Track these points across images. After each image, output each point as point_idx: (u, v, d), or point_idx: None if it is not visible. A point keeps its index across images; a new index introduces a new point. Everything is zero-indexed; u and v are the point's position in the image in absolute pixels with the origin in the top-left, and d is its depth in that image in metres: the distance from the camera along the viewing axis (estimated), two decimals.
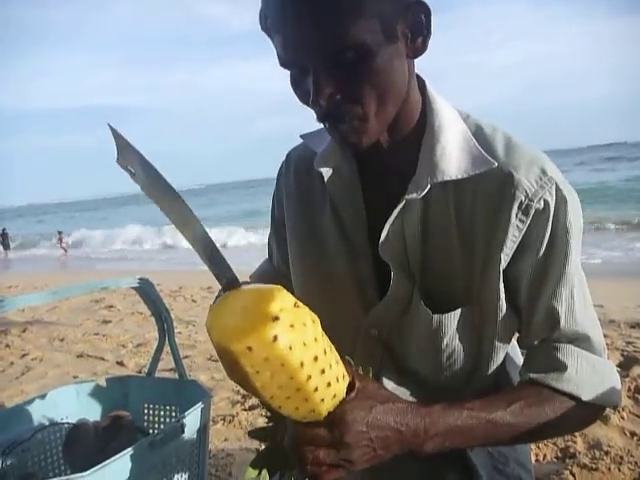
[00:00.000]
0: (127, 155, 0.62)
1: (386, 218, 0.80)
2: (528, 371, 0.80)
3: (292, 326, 0.56)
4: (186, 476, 1.06)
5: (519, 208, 0.75)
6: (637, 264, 7.37)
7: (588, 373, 0.78)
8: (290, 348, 0.55)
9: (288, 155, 0.99)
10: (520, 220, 0.75)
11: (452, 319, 0.80)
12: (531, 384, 0.79)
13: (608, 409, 2.29)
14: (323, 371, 0.60)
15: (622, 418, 2.25)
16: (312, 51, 0.67)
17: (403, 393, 0.87)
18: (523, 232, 0.76)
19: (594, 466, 1.89)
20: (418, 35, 0.71)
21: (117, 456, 0.84)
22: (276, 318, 0.54)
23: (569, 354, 0.78)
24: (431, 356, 0.84)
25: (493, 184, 0.76)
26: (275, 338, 0.54)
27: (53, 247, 18.59)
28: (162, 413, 1.24)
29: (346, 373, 0.66)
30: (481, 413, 0.72)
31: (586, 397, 0.77)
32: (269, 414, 0.75)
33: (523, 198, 0.75)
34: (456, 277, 0.80)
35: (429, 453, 0.70)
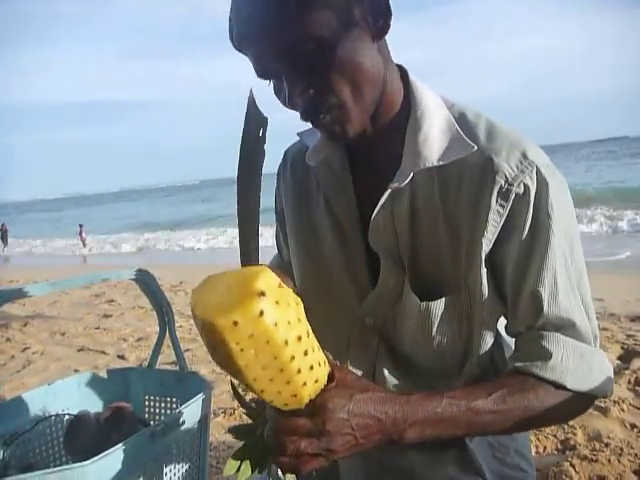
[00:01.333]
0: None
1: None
2: (513, 360, 0.79)
3: (277, 303, 0.56)
4: (187, 467, 1.06)
5: (499, 193, 0.75)
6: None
7: (575, 362, 0.77)
8: (275, 324, 0.55)
9: (285, 152, 1.02)
10: (500, 205, 0.75)
11: (440, 306, 0.80)
12: (516, 373, 0.78)
13: (608, 401, 2.27)
14: (306, 353, 0.60)
15: (622, 410, 2.25)
16: (274, 54, 0.69)
17: (399, 381, 0.87)
18: (504, 217, 0.76)
19: (594, 458, 1.90)
20: (379, 17, 0.72)
21: (118, 446, 0.85)
22: (262, 294, 0.54)
23: (554, 342, 0.77)
24: (422, 343, 0.84)
25: (475, 169, 0.77)
26: (261, 313, 0.54)
27: (56, 242, 18.55)
28: (163, 404, 1.25)
29: (326, 360, 0.66)
30: (461, 401, 0.71)
31: (572, 385, 0.76)
32: (247, 411, 0.75)
33: (503, 183, 0.75)
34: (444, 264, 0.80)
35: (410, 442, 0.69)
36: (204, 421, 1.07)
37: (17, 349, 4.12)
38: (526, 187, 0.74)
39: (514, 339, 0.83)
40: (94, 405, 1.23)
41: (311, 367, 0.61)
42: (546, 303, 0.77)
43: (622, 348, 2.98)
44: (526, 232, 0.76)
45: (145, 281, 1.16)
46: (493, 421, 0.73)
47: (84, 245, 17.07)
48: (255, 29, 0.68)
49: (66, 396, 1.21)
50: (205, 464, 1.12)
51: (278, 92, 0.74)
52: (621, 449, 1.95)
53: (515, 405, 0.74)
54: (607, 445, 1.98)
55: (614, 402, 2.29)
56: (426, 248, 0.81)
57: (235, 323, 0.53)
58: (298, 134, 0.95)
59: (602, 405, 2.27)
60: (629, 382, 2.53)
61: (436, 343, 0.83)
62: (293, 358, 0.58)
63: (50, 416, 1.16)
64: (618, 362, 2.79)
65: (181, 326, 4.32)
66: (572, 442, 2.03)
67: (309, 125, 0.82)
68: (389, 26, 0.73)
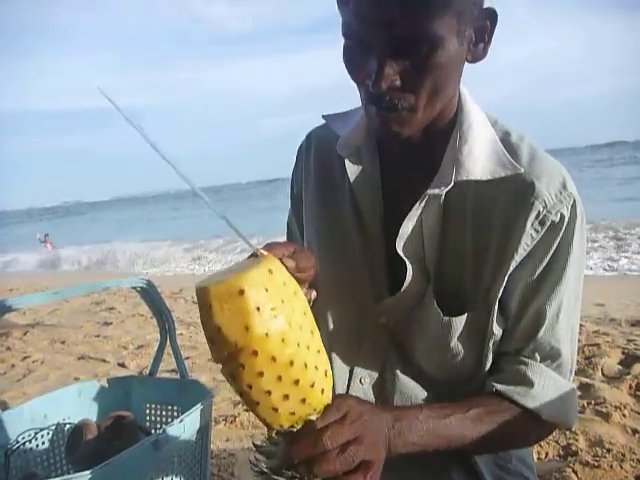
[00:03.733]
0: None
1: (402, 212, 0.80)
2: (494, 381, 0.82)
3: (284, 284, 0.56)
4: (188, 475, 1.06)
5: (536, 218, 0.76)
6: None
7: (552, 394, 0.80)
8: (284, 283, 0.56)
9: (309, 135, 0.99)
10: (535, 230, 0.76)
11: (461, 322, 0.81)
12: (493, 394, 0.81)
13: (609, 407, 2.27)
14: (312, 331, 0.59)
15: (624, 416, 2.24)
16: (390, 34, 0.66)
17: (407, 381, 0.88)
18: (535, 242, 0.77)
19: (596, 464, 1.89)
20: (480, 40, 0.73)
21: (119, 455, 0.84)
22: (270, 270, 0.55)
23: (538, 372, 0.80)
24: (436, 354, 0.84)
25: (513, 191, 0.77)
26: (271, 271, 0.54)
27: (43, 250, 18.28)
28: (164, 413, 1.24)
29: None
30: (440, 411, 0.74)
31: (546, 416, 0.80)
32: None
33: (541, 209, 0.76)
34: (467, 279, 0.81)
35: (398, 452, 0.70)
36: (205, 429, 1.07)
37: (17, 358, 4.10)
38: (562, 217, 0.76)
39: (496, 357, 0.84)
40: (95, 414, 1.23)
41: (318, 351, 0.60)
42: (543, 328, 0.80)
43: (623, 353, 2.97)
44: (547, 258, 0.78)
45: (146, 290, 1.16)
46: (467, 436, 0.76)
47: (49, 250, 16.67)
48: (387, 0, 0.64)
49: (67, 405, 1.21)
50: (206, 472, 1.12)
51: (353, 57, 0.72)
52: (623, 455, 1.94)
53: (491, 425, 0.77)
54: (609, 451, 1.97)
55: (615, 407, 2.28)
56: (451, 261, 0.81)
57: (251, 284, 0.52)
58: (324, 117, 0.93)
59: (603, 411, 2.26)
60: (630, 387, 2.52)
61: (450, 357, 0.84)
62: (312, 332, 0.58)
63: (51, 425, 1.16)
64: (619, 367, 2.78)
65: (181, 334, 4.31)
66: (574, 448, 2.02)
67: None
68: (486, 54, 0.74)
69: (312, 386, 0.57)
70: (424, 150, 0.81)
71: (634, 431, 2.12)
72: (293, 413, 0.57)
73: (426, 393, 0.87)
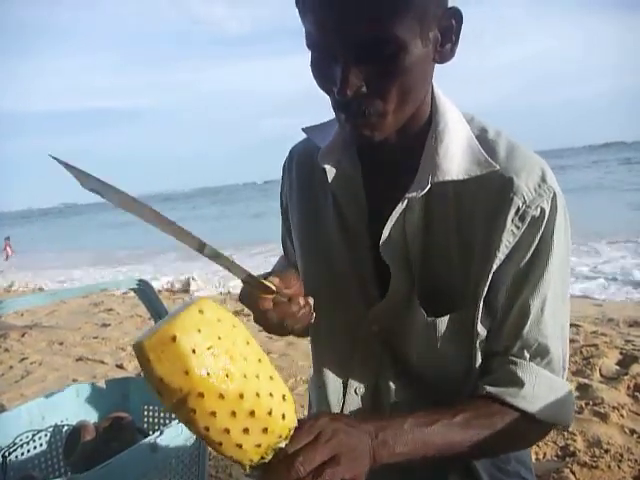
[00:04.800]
0: (88, 182, 0.56)
1: (387, 217, 0.80)
2: (485, 384, 0.80)
3: (219, 320, 0.55)
4: (186, 477, 1.06)
5: (516, 214, 0.75)
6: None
7: (544, 392, 0.79)
8: (218, 320, 0.55)
9: (291, 150, 0.99)
10: (516, 226, 0.76)
11: (446, 322, 0.80)
12: (483, 397, 0.79)
13: (607, 407, 2.27)
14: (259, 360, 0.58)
15: (622, 416, 2.25)
16: (350, 40, 0.66)
17: (402, 389, 0.87)
18: (517, 238, 0.76)
19: (594, 464, 1.89)
20: (447, 41, 0.72)
21: (117, 457, 0.84)
22: (200, 311, 0.54)
23: (528, 371, 0.79)
24: (427, 356, 0.84)
25: (493, 188, 0.77)
26: (201, 311, 0.54)
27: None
28: (162, 414, 1.24)
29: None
30: (426, 419, 0.73)
31: (539, 415, 0.78)
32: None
33: (520, 204, 0.75)
34: (454, 279, 0.80)
35: (384, 463, 0.69)
36: None
37: (15, 359, 4.09)
38: (542, 211, 0.75)
39: (486, 359, 0.84)
40: (93, 415, 1.23)
41: (271, 377, 0.59)
42: (528, 325, 0.79)
43: (621, 353, 2.98)
44: (530, 254, 0.77)
45: (143, 290, 1.16)
46: (458, 444, 0.74)
47: (6, 259, 16.19)
48: (344, 8, 0.64)
49: (65, 407, 1.21)
50: (204, 473, 1.12)
51: (319, 67, 0.72)
52: (621, 455, 1.94)
53: (481, 429, 0.76)
54: (607, 451, 1.97)
55: (613, 408, 2.28)
56: (437, 262, 0.81)
57: (185, 329, 0.52)
58: (304, 130, 0.93)
59: (601, 411, 2.27)
60: (628, 388, 2.52)
61: (441, 357, 0.83)
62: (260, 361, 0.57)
63: (49, 427, 1.16)
64: (617, 367, 2.78)
65: None
66: (572, 448, 2.02)
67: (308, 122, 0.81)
68: (454, 54, 0.73)
69: (270, 414, 0.56)
70: (403, 153, 0.81)
71: (632, 431, 2.13)
72: (259, 445, 0.56)
73: (422, 398, 0.87)
